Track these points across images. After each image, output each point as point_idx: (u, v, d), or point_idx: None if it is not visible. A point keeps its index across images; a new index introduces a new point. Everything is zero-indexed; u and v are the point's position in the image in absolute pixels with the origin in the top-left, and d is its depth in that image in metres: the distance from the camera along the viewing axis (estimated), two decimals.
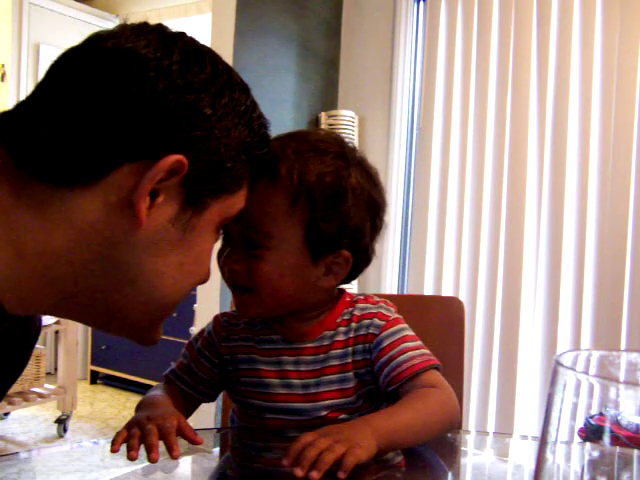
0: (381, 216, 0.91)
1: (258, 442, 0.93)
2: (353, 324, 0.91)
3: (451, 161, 2.84)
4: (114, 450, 0.71)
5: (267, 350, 0.93)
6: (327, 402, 0.89)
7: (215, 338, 0.96)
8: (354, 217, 0.86)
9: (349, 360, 0.90)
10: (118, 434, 0.73)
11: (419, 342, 0.89)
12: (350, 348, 0.90)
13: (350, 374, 0.89)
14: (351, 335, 0.90)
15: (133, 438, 0.71)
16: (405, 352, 0.86)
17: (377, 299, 0.95)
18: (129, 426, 0.75)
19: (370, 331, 0.90)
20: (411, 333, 0.90)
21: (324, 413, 0.89)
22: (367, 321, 0.90)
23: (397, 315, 0.92)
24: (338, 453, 0.66)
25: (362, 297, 0.95)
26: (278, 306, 0.89)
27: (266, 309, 0.89)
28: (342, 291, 0.96)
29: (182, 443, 0.72)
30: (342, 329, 0.91)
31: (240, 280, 0.86)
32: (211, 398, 0.98)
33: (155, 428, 0.72)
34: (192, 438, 0.73)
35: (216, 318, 0.98)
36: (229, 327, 0.96)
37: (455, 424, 0.84)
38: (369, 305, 0.93)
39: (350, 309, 0.92)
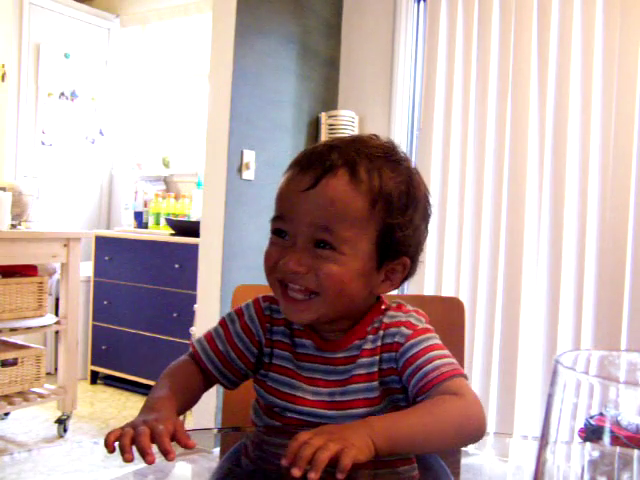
0: (428, 224, 0.93)
1: (274, 441, 0.92)
2: (381, 332, 0.89)
3: (451, 161, 2.84)
4: (109, 451, 0.69)
5: (302, 355, 0.91)
6: (353, 411, 0.88)
7: (259, 328, 0.93)
8: (420, 226, 0.89)
9: (375, 369, 0.88)
10: (110, 433, 0.71)
11: (446, 351, 0.86)
12: (377, 357, 0.88)
13: (376, 383, 0.88)
14: (378, 343, 0.89)
15: (125, 437, 0.70)
16: (432, 361, 0.84)
17: (410, 307, 0.93)
18: (123, 427, 0.73)
19: (396, 340, 0.88)
20: (438, 342, 0.88)
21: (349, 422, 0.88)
22: (394, 329, 0.89)
23: (427, 325, 0.90)
24: (332, 451, 0.65)
25: (395, 305, 0.93)
26: (336, 311, 0.86)
27: (323, 314, 0.86)
28: (379, 298, 0.94)
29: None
30: (371, 337, 0.89)
31: (304, 282, 0.83)
32: (235, 385, 0.95)
33: (148, 430, 0.71)
34: (184, 442, 0.71)
35: (257, 302, 0.95)
36: (272, 316, 0.93)
37: (479, 434, 0.79)
38: (400, 313, 0.91)
39: (381, 317, 0.91)
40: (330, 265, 0.82)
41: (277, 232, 0.86)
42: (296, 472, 0.64)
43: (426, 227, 0.92)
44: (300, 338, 0.92)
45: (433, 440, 0.77)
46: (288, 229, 0.85)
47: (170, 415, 0.78)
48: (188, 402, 0.89)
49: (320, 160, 0.84)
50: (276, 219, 0.87)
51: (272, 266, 0.86)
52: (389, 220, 0.84)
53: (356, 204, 0.83)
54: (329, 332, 0.91)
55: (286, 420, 0.91)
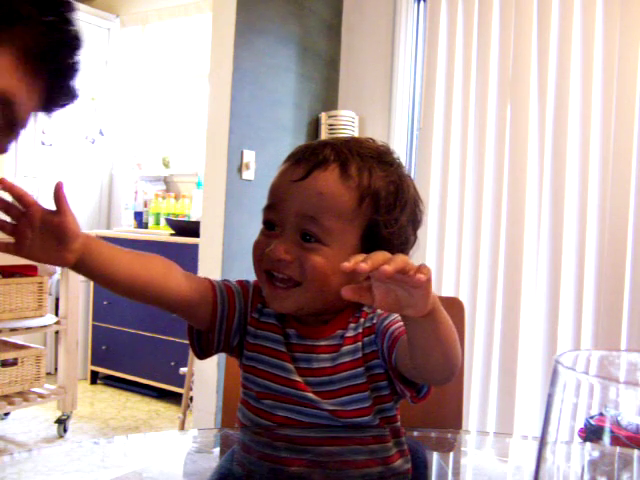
0: (417, 230, 0.94)
1: (264, 440, 0.92)
2: (362, 319, 0.92)
3: (451, 161, 2.84)
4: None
5: (292, 343, 0.93)
6: (342, 399, 0.89)
7: (249, 303, 0.95)
8: (407, 228, 0.90)
9: (359, 355, 0.90)
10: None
11: None
12: (360, 343, 0.90)
13: (361, 369, 0.90)
14: (360, 330, 0.91)
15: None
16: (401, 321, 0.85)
17: None
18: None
19: (374, 322, 0.91)
20: None
21: (332, 408, 0.89)
22: (372, 314, 0.92)
23: None
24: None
25: None
26: (317, 303, 0.88)
27: (304, 305, 0.88)
28: None
29: (185, 445, 0.72)
30: (352, 325, 0.92)
31: (289, 271, 0.86)
32: (201, 325, 0.93)
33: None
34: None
35: (256, 284, 0.96)
36: (263, 299, 0.94)
37: (458, 365, 0.80)
38: None
39: (362, 307, 0.93)
40: (315, 257, 0.85)
41: (267, 224, 0.90)
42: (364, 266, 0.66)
43: (414, 231, 0.93)
44: (290, 328, 0.94)
45: (450, 334, 0.76)
46: (277, 219, 0.88)
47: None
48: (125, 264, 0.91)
49: (313, 154, 0.88)
50: (267, 209, 0.90)
51: (260, 255, 0.89)
52: (375, 216, 0.87)
53: (344, 198, 0.86)
54: (312, 323, 0.93)
55: (275, 418, 0.91)
